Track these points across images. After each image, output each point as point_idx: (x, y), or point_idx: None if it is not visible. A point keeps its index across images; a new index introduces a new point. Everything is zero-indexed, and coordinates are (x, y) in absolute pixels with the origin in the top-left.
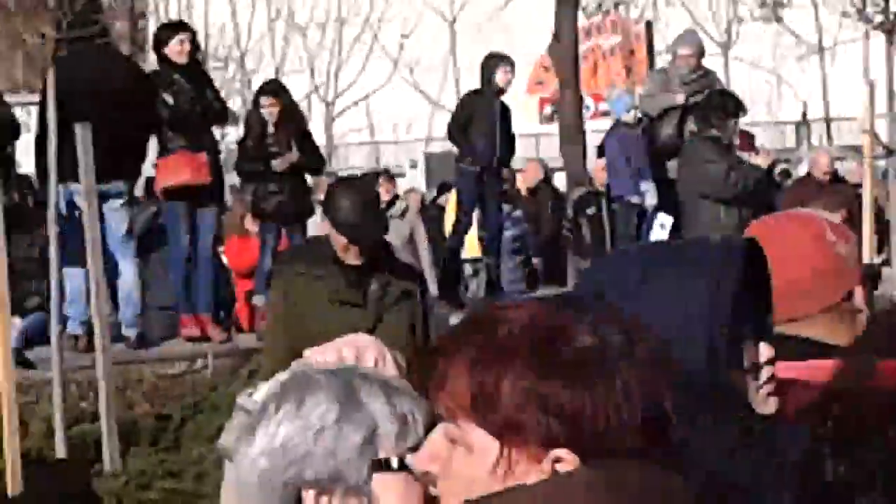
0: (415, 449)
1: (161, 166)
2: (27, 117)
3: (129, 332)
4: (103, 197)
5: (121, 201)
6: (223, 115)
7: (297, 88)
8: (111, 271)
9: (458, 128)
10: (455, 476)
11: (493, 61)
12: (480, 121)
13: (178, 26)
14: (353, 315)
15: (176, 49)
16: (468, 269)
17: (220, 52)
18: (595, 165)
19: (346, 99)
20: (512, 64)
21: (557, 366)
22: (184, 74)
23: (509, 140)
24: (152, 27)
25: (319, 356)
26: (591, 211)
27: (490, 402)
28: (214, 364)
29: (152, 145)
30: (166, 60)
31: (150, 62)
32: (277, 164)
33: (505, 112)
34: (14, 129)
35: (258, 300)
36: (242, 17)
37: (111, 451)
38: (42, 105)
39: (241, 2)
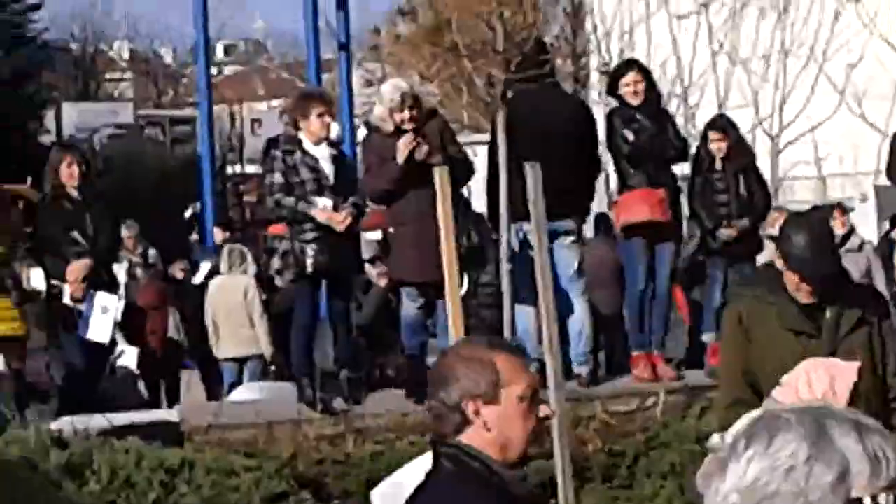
0: (888, 488)
1: (620, 203)
2: (473, 157)
3: (581, 370)
4: (554, 235)
5: (571, 239)
6: (683, 153)
7: (742, 122)
8: (562, 309)
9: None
10: None
11: None
12: None
13: (631, 65)
14: (807, 344)
15: (629, 90)
16: None
17: (663, 87)
18: None
19: (792, 131)
20: None
21: None
22: (643, 111)
23: None
24: (594, 65)
25: (788, 396)
26: None
27: None
28: (665, 401)
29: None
30: (621, 98)
31: (592, 99)
32: (724, 233)
33: None
34: (469, 169)
35: (707, 337)
36: (685, 52)
37: (565, 488)
38: (491, 145)
39: (683, 37)
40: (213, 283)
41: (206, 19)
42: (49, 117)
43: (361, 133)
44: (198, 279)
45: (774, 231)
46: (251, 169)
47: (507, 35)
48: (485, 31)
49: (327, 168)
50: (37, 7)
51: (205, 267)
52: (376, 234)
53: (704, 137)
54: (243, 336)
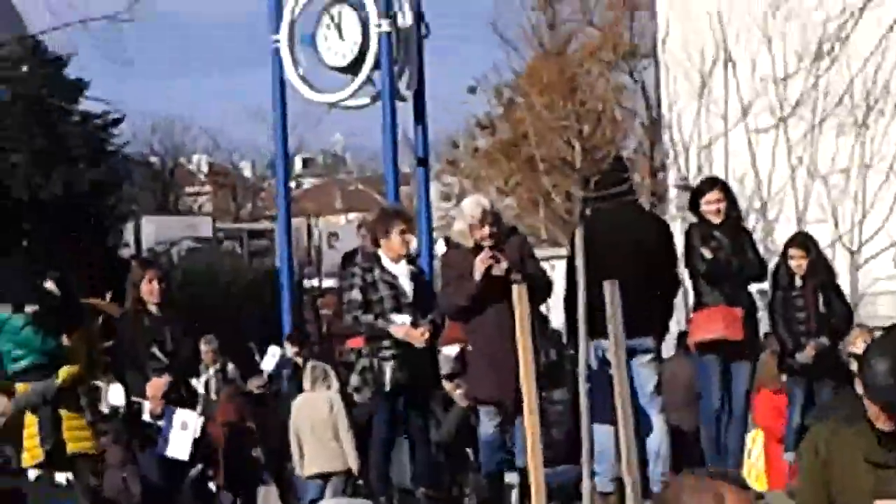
0: None
1: (695, 320)
2: (551, 271)
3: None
4: (632, 352)
5: (649, 356)
6: (761, 273)
7: (821, 237)
8: (640, 427)
9: None
10: None
11: None
12: None
13: (713, 183)
14: (886, 477)
15: (711, 208)
16: None
17: (741, 202)
18: None
19: (873, 246)
20: None
21: None
22: (722, 229)
23: None
24: (671, 179)
25: None
26: None
27: None
28: None
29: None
30: (701, 215)
31: (669, 214)
32: (802, 356)
33: None
34: (547, 287)
35: (787, 457)
36: (763, 166)
37: None
38: (569, 261)
39: (761, 152)
40: (297, 401)
41: (285, 133)
42: (128, 231)
43: (439, 247)
44: (266, 365)
45: (856, 349)
46: (328, 283)
47: (585, 151)
48: (562, 145)
49: (406, 285)
50: (118, 121)
51: (273, 351)
52: (454, 350)
53: (784, 254)
54: (329, 451)
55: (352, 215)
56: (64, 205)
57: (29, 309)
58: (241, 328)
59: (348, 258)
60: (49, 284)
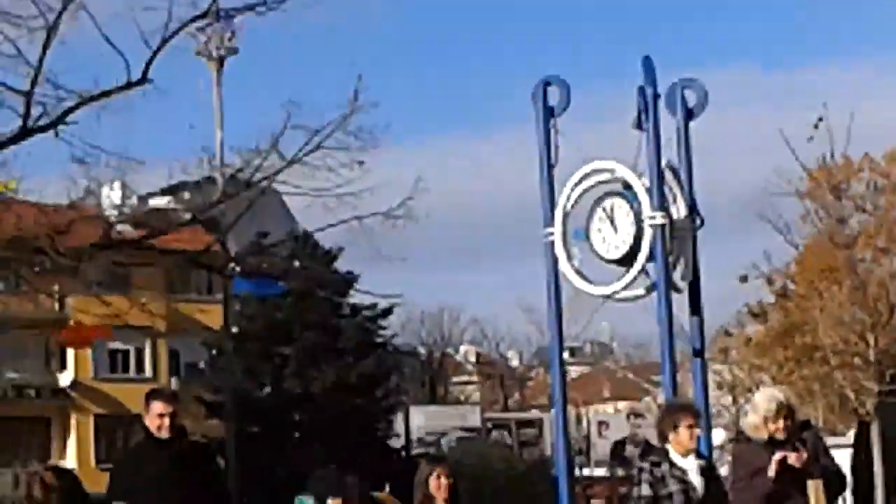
0: None
1: None
2: None
3: None
4: None
5: None
6: None
7: None
8: None
9: None
10: None
11: None
12: None
13: None
14: None
15: None
16: None
17: None
18: None
19: None
20: None
21: None
22: None
23: None
24: None
25: None
26: None
27: None
28: None
29: None
30: None
31: None
32: None
33: None
34: (842, 483)
35: None
36: None
37: None
38: (856, 454)
39: None
40: None
41: (560, 325)
42: (398, 421)
43: (716, 436)
44: None
45: None
46: (599, 472)
47: (877, 343)
48: (848, 334)
49: (696, 480)
50: (388, 313)
51: None
52: None
53: None
54: None
55: (620, 404)
56: (335, 397)
57: (331, 502)
58: None
59: (619, 446)
60: (350, 479)
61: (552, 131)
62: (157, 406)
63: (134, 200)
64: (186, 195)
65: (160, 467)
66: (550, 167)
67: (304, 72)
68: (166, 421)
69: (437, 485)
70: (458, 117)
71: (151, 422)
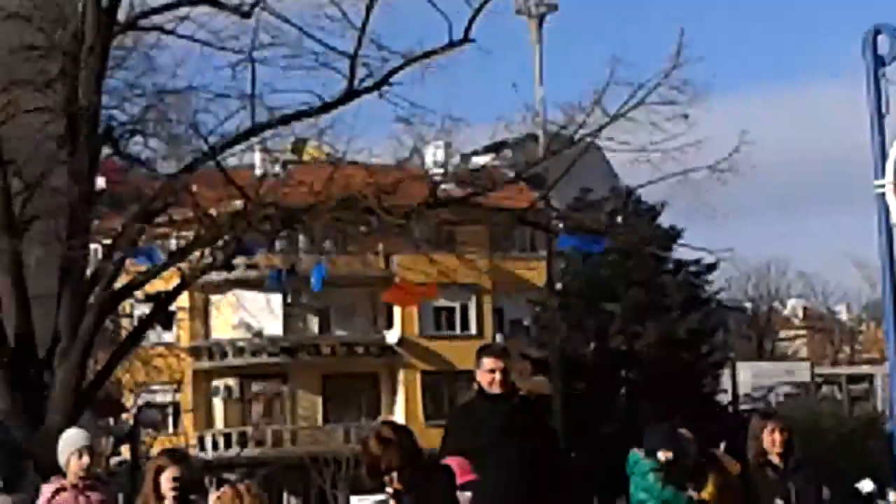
0: None
1: None
2: None
3: None
4: None
5: None
6: None
7: None
8: None
9: None
10: None
11: None
12: None
13: None
14: None
15: None
16: None
17: None
18: None
19: None
20: None
21: None
22: None
23: None
24: None
25: None
26: None
27: None
28: None
29: None
30: None
31: None
32: None
33: None
34: None
35: None
36: None
37: None
38: None
39: None
40: None
41: (893, 279)
42: (724, 376)
43: None
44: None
45: None
46: None
47: None
48: None
49: None
50: (713, 267)
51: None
52: None
53: None
54: None
55: None
56: (660, 353)
57: (661, 455)
58: (843, 478)
59: None
60: (683, 434)
61: (882, 80)
62: (488, 362)
63: (457, 159)
64: (508, 153)
65: (494, 423)
66: (882, 117)
67: (624, 27)
68: (497, 376)
69: (772, 440)
70: (784, 69)
71: (483, 377)
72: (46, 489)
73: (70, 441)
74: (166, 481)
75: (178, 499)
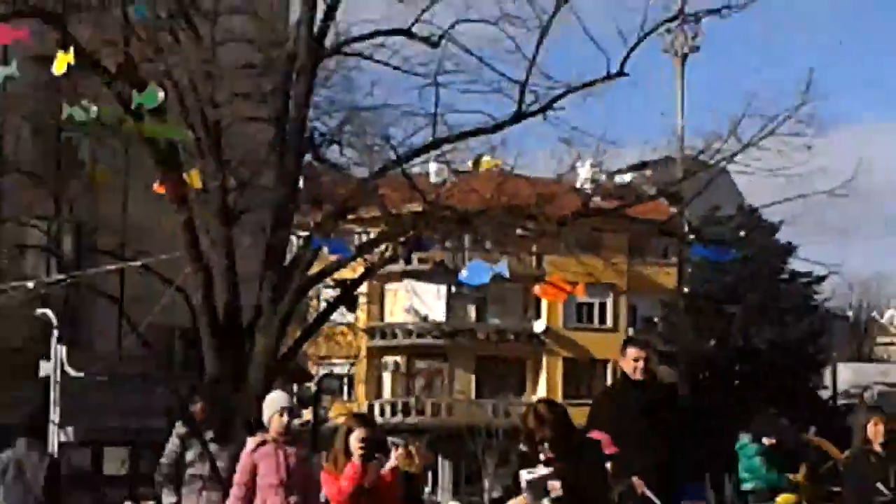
0: None
1: None
2: None
3: None
4: None
5: None
6: None
7: None
8: None
9: None
10: None
11: None
12: None
13: None
14: None
15: None
16: None
17: None
18: None
19: None
20: None
21: None
22: None
23: None
24: None
25: None
26: None
27: None
28: None
29: None
30: None
31: None
32: None
33: None
34: None
35: None
36: None
37: None
38: None
39: None
40: None
41: None
42: (826, 375)
43: None
44: None
45: None
46: None
47: None
48: None
49: None
50: (822, 279)
51: None
52: None
53: None
54: None
55: None
56: (772, 351)
57: (766, 441)
58: None
59: None
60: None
61: None
62: (633, 351)
63: (603, 177)
64: (647, 172)
65: (637, 404)
66: None
67: (758, 64)
68: (640, 364)
69: (876, 431)
70: None
71: (627, 365)
72: (251, 442)
73: (274, 402)
74: (355, 440)
75: (364, 457)
